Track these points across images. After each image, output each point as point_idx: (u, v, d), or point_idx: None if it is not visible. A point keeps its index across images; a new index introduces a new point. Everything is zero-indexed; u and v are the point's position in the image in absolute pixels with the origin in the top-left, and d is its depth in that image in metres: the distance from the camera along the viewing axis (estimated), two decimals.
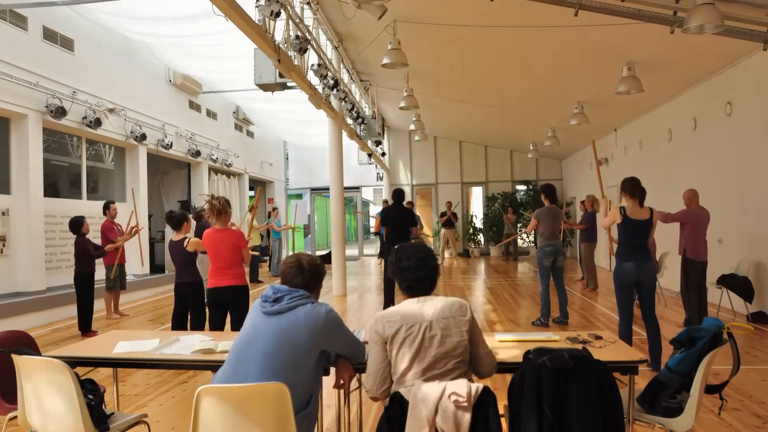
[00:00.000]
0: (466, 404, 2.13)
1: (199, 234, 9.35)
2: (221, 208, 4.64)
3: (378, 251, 17.13)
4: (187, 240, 5.39)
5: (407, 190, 19.36)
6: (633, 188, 4.85)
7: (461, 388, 2.16)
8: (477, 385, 2.21)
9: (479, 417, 2.15)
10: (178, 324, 5.51)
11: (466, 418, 2.12)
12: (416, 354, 2.30)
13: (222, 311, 4.72)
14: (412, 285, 2.48)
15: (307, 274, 2.47)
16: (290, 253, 15.01)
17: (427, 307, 2.38)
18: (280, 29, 6.80)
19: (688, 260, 6.46)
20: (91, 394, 2.61)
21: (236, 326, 4.61)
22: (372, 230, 22.46)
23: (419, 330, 2.31)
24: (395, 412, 2.24)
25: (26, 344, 3.04)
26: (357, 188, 19.93)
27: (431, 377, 2.27)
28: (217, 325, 4.74)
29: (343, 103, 10.65)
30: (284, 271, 2.52)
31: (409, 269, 2.48)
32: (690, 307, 6.53)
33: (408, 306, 2.41)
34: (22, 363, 2.53)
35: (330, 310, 2.39)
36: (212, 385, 2.18)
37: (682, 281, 6.63)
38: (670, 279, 8.60)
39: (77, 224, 7.06)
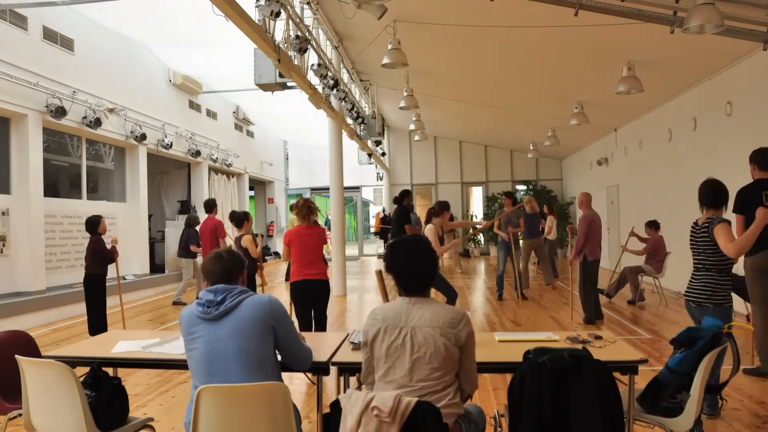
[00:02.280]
0: (388, 419, 1.92)
1: (185, 240, 9.31)
2: (312, 208, 4.92)
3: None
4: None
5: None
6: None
7: (386, 401, 1.95)
8: (409, 399, 1.97)
9: None
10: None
11: None
12: (390, 359, 2.14)
13: (308, 306, 4.83)
14: (403, 281, 2.25)
15: (227, 263, 2.42)
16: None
17: (416, 310, 2.17)
18: (280, 29, 6.80)
19: (589, 263, 6.89)
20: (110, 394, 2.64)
21: (318, 320, 4.89)
22: (372, 230, 22.23)
23: (398, 334, 2.15)
24: (333, 421, 2.14)
25: (26, 344, 3.04)
26: (357, 188, 19.94)
27: (408, 389, 2.09)
28: (306, 323, 4.81)
29: (343, 103, 10.65)
30: (207, 267, 2.45)
31: (402, 267, 2.25)
32: (589, 307, 6.98)
33: (396, 306, 2.22)
34: (25, 364, 2.53)
35: (274, 298, 2.36)
36: (212, 384, 2.18)
37: (581, 283, 7.03)
38: (671, 279, 8.60)
39: (94, 224, 6.59)
